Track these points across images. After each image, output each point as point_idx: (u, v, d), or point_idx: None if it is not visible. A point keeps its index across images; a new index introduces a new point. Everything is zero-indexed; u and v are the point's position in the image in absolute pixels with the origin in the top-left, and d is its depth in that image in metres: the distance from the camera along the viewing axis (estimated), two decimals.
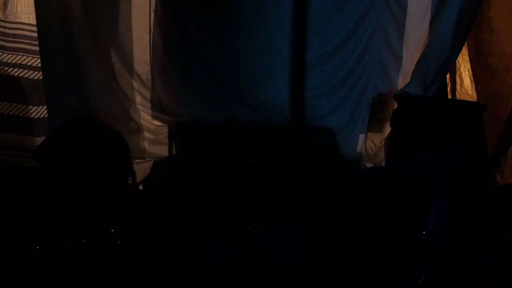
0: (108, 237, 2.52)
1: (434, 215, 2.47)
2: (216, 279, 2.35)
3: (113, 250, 2.49)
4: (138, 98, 3.30)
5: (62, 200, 2.52)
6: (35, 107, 3.16)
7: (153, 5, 3.15)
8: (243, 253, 2.44)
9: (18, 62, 3.15)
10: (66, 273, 2.33)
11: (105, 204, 2.58)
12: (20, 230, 2.54)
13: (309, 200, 2.74)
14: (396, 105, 3.32)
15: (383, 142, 3.52)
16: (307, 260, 2.48)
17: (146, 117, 3.32)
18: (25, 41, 3.11)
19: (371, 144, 3.55)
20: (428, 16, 3.43)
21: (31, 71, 3.15)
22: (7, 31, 3.09)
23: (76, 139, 2.63)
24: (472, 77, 3.65)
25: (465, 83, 3.67)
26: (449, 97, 3.67)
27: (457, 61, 3.62)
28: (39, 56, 3.03)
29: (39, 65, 3.06)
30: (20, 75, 3.15)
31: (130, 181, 3.07)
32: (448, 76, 3.64)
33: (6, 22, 3.09)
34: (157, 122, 3.33)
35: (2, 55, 3.12)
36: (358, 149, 3.57)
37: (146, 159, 3.25)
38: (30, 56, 3.13)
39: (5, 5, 3.10)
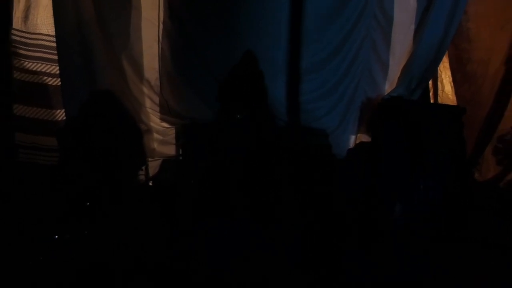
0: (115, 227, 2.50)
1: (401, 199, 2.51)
2: (218, 274, 2.31)
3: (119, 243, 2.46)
4: (148, 102, 3.31)
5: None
6: (56, 111, 3.18)
7: (161, 18, 3.19)
8: (245, 248, 2.42)
9: (39, 69, 3.19)
10: (78, 263, 2.32)
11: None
12: (41, 222, 2.54)
13: (306, 196, 2.74)
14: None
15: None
16: (306, 253, 2.44)
17: (155, 120, 3.32)
18: (45, 50, 3.16)
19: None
20: (413, 27, 3.47)
21: (50, 78, 3.20)
22: (28, 41, 3.14)
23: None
24: (452, 83, 3.70)
25: (446, 89, 3.71)
26: (432, 101, 3.71)
27: (438, 68, 3.64)
28: (57, 64, 3.09)
29: (58, 72, 3.11)
30: (40, 81, 3.19)
31: (142, 178, 3.08)
32: (430, 82, 3.69)
33: (27, 33, 3.14)
34: (165, 124, 3.33)
35: (24, 63, 3.16)
36: (349, 149, 3.49)
37: (155, 158, 3.25)
38: (49, 64, 3.17)
39: (26, 17, 3.15)
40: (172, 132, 3.31)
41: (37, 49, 3.19)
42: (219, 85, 3.24)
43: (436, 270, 2.35)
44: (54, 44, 3.08)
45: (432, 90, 3.74)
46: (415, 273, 2.28)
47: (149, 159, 3.24)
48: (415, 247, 2.42)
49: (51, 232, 2.50)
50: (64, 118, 3.14)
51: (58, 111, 3.19)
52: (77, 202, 2.54)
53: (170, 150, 3.29)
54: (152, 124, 3.29)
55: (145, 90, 3.29)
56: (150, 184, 3.16)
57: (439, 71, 3.69)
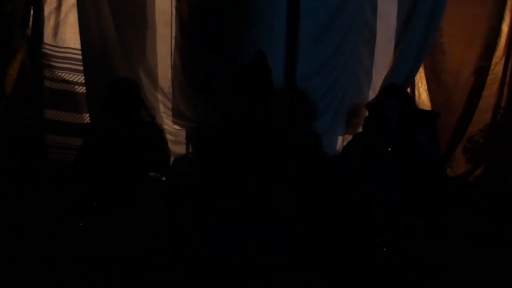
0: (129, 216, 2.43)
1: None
2: (218, 274, 2.21)
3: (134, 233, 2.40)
4: (161, 107, 3.39)
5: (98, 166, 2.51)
6: (82, 115, 3.32)
7: (173, 34, 3.29)
8: (245, 248, 2.34)
9: (67, 79, 3.34)
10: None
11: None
12: (67, 211, 2.55)
13: (306, 195, 2.66)
14: (367, 113, 3.22)
15: None
16: (306, 253, 2.36)
17: (168, 123, 3.40)
18: (72, 62, 3.32)
19: None
20: (393, 42, 3.54)
21: (77, 86, 3.34)
22: (57, 54, 3.32)
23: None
24: (427, 91, 3.77)
25: (422, 96, 3.79)
26: None
27: (416, 78, 3.71)
28: (83, 74, 3.23)
29: (83, 81, 3.26)
30: (68, 89, 3.33)
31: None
32: (408, 90, 3.70)
33: (57, 47, 3.31)
34: (176, 127, 3.41)
35: (54, 73, 3.31)
36: (337, 148, 3.58)
37: None
38: (76, 74, 3.33)
39: (55, 33, 3.29)
40: (183, 133, 3.38)
41: (65, 61, 3.32)
42: (223, 91, 3.16)
43: (436, 270, 2.26)
44: (80, 57, 3.20)
45: None
46: (415, 272, 2.20)
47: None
48: (414, 245, 2.33)
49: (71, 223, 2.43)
50: (89, 121, 3.25)
51: (84, 114, 3.32)
52: (84, 201, 2.50)
53: (181, 149, 3.37)
54: (165, 126, 3.32)
55: (159, 97, 3.38)
56: (164, 179, 3.09)
57: (416, 80, 3.76)
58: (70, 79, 3.34)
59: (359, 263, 2.24)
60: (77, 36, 3.18)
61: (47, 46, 3.27)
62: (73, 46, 3.31)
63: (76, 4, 3.14)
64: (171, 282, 2.16)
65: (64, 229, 2.42)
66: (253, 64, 2.86)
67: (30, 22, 3.17)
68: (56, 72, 3.31)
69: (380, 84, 3.56)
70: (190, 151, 3.39)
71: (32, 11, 3.16)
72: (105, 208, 2.42)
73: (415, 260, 2.27)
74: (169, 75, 3.36)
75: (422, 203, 2.42)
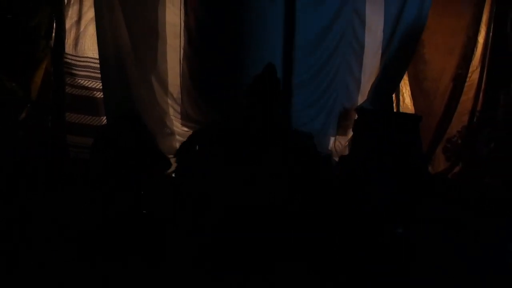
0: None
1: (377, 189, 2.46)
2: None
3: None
4: (171, 111, 3.49)
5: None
6: (100, 118, 3.42)
7: (182, 45, 3.39)
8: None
9: (86, 85, 3.44)
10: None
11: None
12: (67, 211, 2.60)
13: (297, 186, 2.66)
14: (356, 116, 3.52)
15: (347, 142, 3.73)
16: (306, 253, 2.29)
17: (177, 125, 3.48)
18: (91, 70, 3.42)
19: (338, 143, 3.75)
20: (380, 52, 3.70)
21: (95, 92, 3.44)
22: (78, 63, 3.42)
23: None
24: (411, 96, 3.96)
25: (406, 101, 3.96)
26: (395, 110, 3.94)
27: (400, 84, 3.91)
28: (100, 81, 3.31)
29: (101, 87, 3.35)
30: (87, 95, 3.43)
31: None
32: (393, 95, 3.91)
33: (77, 56, 3.42)
34: (185, 128, 3.48)
35: (74, 80, 3.40)
36: (330, 147, 3.73)
37: None
38: (94, 81, 3.42)
39: (76, 44, 3.41)
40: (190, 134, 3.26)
41: (84, 69, 3.41)
42: (227, 97, 3.34)
43: (435, 270, 2.23)
44: (98, 65, 3.26)
45: (395, 102, 3.95)
46: (414, 271, 2.19)
47: (172, 155, 3.25)
48: (409, 243, 2.33)
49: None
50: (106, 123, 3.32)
51: (102, 117, 3.42)
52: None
53: None
54: (174, 128, 3.47)
55: (169, 101, 3.47)
56: (173, 175, 3.20)
57: (400, 87, 3.93)
58: (89, 86, 3.44)
59: (359, 263, 2.21)
60: (96, 47, 3.26)
61: (68, 56, 3.37)
62: (92, 55, 3.40)
63: (94, 18, 3.22)
64: (171, 281, 2.10)
65: (64, 229, 2.41)
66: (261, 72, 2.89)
67: (53, 34, 3.22)
68: (77, 79, 3.40)
69: (368, 89, 3.73)
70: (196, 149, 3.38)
71: (54, 25, 3.21)
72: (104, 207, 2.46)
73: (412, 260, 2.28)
74: (178, 81, 3.46)
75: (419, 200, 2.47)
